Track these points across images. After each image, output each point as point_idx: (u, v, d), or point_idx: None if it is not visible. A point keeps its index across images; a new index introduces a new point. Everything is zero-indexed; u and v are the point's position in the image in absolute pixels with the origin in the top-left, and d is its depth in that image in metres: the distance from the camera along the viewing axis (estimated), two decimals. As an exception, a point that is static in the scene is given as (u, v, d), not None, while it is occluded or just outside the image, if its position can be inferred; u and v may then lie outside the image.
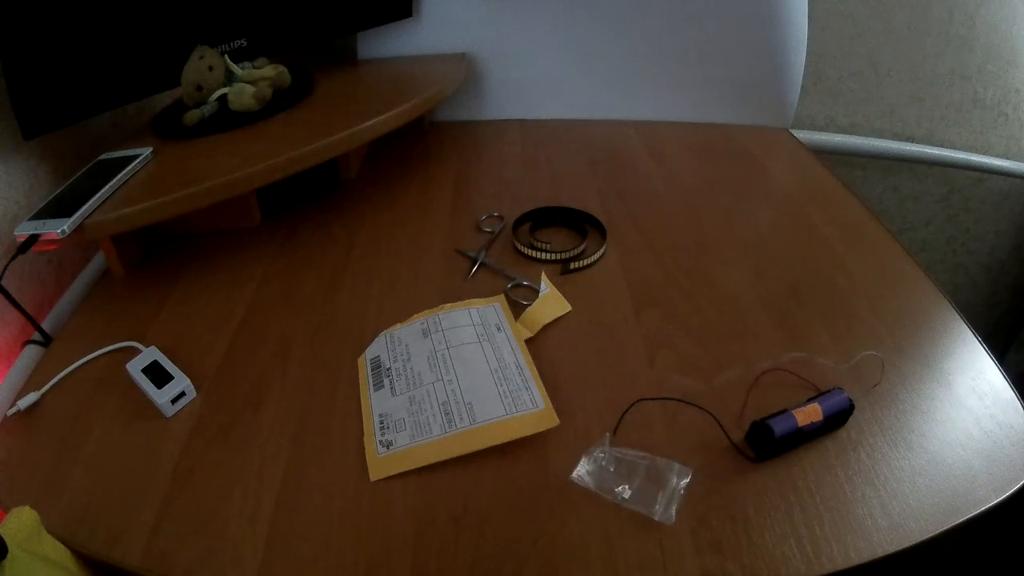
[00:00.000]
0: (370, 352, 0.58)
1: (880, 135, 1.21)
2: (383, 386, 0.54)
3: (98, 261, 0.74)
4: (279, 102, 0.78)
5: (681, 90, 1.00)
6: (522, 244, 0.71)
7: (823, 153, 1.17)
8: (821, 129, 1.21)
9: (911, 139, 1.22)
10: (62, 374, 0.57)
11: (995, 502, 0.45)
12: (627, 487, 0.45)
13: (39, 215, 0.59)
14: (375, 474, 0.47)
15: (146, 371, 0.55)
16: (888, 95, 1.17)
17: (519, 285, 0.66)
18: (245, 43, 0.81)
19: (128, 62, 0.71)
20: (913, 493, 0.45)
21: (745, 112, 1.00)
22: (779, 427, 0.46)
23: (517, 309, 0.62)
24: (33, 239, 0.57)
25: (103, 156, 0.69)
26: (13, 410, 0.54)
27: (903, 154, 1.21)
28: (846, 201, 0.80)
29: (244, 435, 0.51)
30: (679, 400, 0.52)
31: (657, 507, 0.44)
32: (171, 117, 0.78)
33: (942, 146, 1.23)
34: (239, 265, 0.71)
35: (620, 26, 0.95)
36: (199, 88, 0.75)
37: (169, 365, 0.55)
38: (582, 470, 0.47)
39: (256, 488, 0.47)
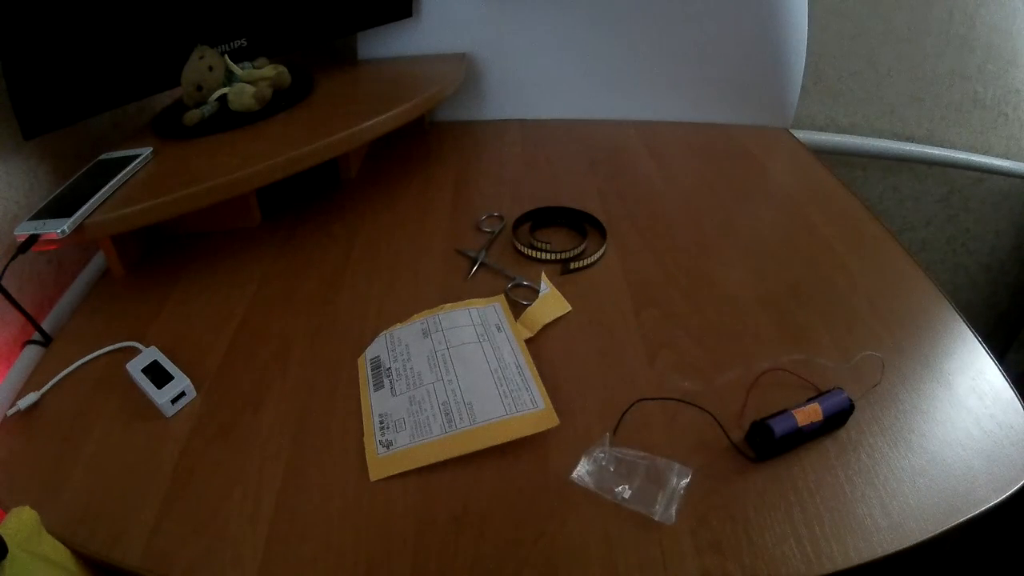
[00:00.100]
0: (370, 352, 0.58)
1: (880, 135, 1.21)
2: (383, 386, 0.54)
3: (98, 261, 0.74)
4: (279, 102, 0.78)
5: (681, 90, 1.00)
6: (522, 244, 0.71)
7: (823, 153, 1.17)
8: (821, 129, 1.21)
9: (911, 139, 1.22)
10: (62, 374, 0.57)
11: (995, 502, 0.45)
12: (627, 487, 0.45)
13: (39, 215, 0.59)
14: (375, 474, 0.47)
15: (146, 371, 0.55)
16: (888, 95, 1.17)
17: (519, 285, 0.66)
18: (245, 43, 0.81)
19: (128, 62, 0.71)
20: (913, 493, 0.45)
21: (745, 112, 1.00)
22: (779, 427, 0.46)
23: (517, 309, 0.62)
24: (33, 239, 0.57)
25: (103, 156, 0.69)
26: (13, 410, 0.54)
27: (903, 154, 1.21)
28: (846, 201, 0.80)
29: (244, 435, 0.51)
30: (679, 400, 0.52)
31: (657, 507, 0.44)
32: (171, 117, 0.77)
33: (942, 146, 1.23)
34: (239, 265, 0.71)
35: (620, 26, 0.95)
36: (199, 88, 0.75)
37: (169, 365, 0.55)
38: (582, 470, 0.47)
39: (256, 488, 0.47)
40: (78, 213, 0.58)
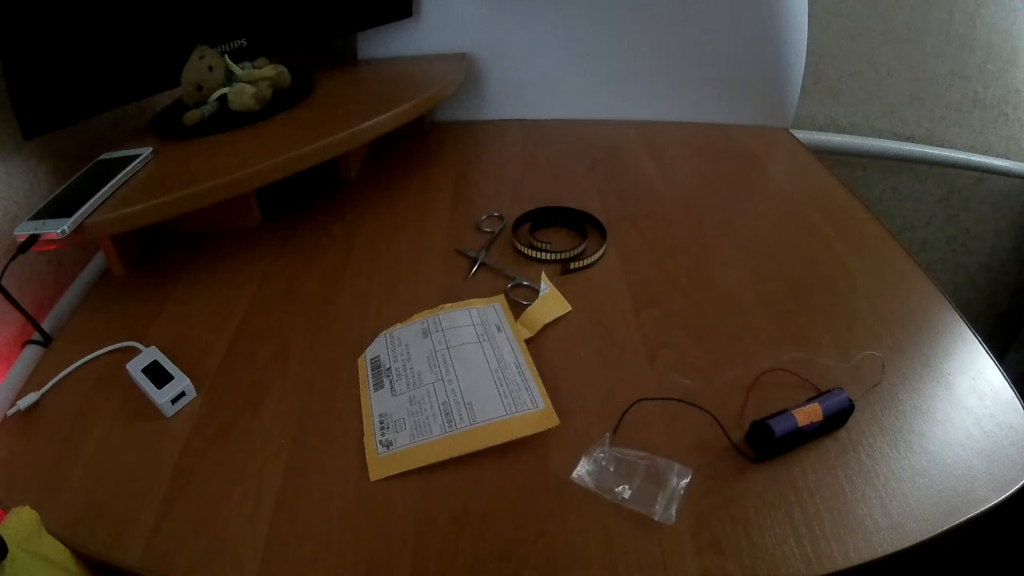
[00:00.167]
0: (370, 352, 0.58)
1: (880, 135, 1.21)
2: (383, 386, 0.54)
3: (98, 261, 0.74)
4: (279, 102, 0.78)
5: (681, 90, 1.00)
6: (522, 244, 0.71)
7: (823, 153, 1.17)
8: (821, 129, 1.21)
9: (911, 139, 1.22)
10: (62, 374, 0.57)
11: (995, 502, 0.45)
12: (627, 487, 0.45)
13: (39, 215, 0.59)
14: (375, 474, 0.47)
15: (146, 371, 0.55)
16: (888, 95, 1.17)
17: (519, 285, 0.66)
18: (245, 43, 0.81)
19: (128, 62, 0.71)
20: (913, 493, 0.45)
21: (745, 112, 1.00)
22: (779, 427, 0.46)
23: (517, 309, 0.62)
24: (33, 239, 0.57)
25: (103, 156, 0.69)
26: (13, 410, 0.54)
27: (903, 154, 1.21)
28: (846, 201, 0.80)
29: (244, 435, 0.51)
30: (679, 400, 0.52)
31: (657, 507, 0.44)
32: (171, 117, 0.77)
33: (942, 146, 1.23)
34: (239, 265, 0.71)
35: (620, 26, 0.95)
36: (199, 88, 0.75)
37: (169, 365, 0.55)
38: (582, 470, 0.47)
39: (256, 488, 0.47)
40: (78, 213, 0.58)
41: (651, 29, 0.95)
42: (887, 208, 1.31)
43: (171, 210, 0.63)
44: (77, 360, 0.58)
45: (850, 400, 0.50)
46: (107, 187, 0.62)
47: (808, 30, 0.94)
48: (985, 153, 1.24)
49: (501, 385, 0.53)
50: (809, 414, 0.48)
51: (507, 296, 0.64)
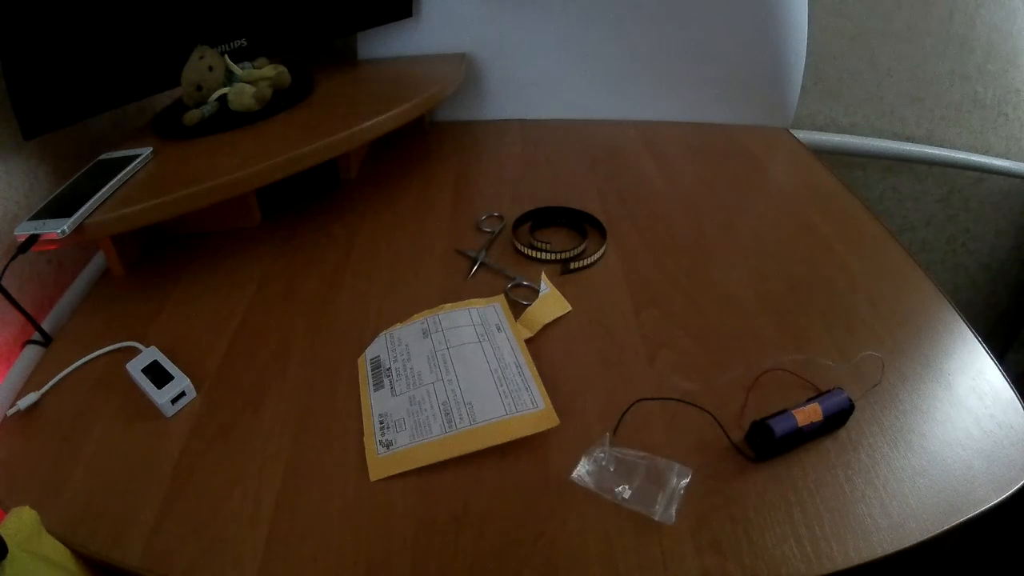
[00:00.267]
0: (370, 352, 0.58)
1: (880, 135, 1.21)
2: (383, 386, 0.54)
3: (98, 261, 0.74)
4: (279, 102, 0.78)
5: (681, 90, 1.00)
6: (522, 244, 0.71)
7: (823, 153, 1.17)
8: (821, 129, 1.21)
9: (911, 139, 1.22)
10: (62, 374, 0.57)
11: (995, 502, 0.45)
12: (627, 487, 0.45)
13: (39, 215, 0.59)
14: (375, 474, 0.47)
15: (146, 371, 0.55)
16: (888, 95, 1.17)
17: (519, 285, 0.66)
18: (245, 43, 0.81)
19: (128, 62, 0.71)
20: (913, 493, 0.45)
21: (745, 112, 1.00)
22: (779, 427, 0.46)
23: (517, 309, 0.62)
24: (33, 239, 0.57)
25: (103, 156, 0.69)
26: (13, 410, 0.54)
27: (903, 154, 1.21)
28: (846, 201, 0.80)
29: (244, 435, 0.51)
30: (679, 400, 0.52)
31: (657, 507, 0.44)
32: (171, 117, 0.77)
33: (942, 146, 1.23)
34: (239, 265, 0.71)
35: (620, 26, 0.95)
36: (199, 88, 0.75)
37: (169, 365, 0.55)
38: (582, 470, 0.47)
39: (256, 488, 0.47)
40: (78, 213, 0.58)
41: (651, 29, 0.95)
42: (887, 208, 1.31)
43: (171, 210, 0.63)
44: (77, 360, 0.58)
45: (850, 400, 0.50)
46: (107, 187, 0.62)
47: (808, 30, 0.94)
48: (985, 153, 1.24)
49: (501, 385, 0.53)
50: (809, 414, 0.48)
51: (507, 296, 0.64)
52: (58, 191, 0.63)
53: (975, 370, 0.55)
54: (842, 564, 0.41)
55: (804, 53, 0.95)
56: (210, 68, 0.74)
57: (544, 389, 0.53)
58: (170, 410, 0.53)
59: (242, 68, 0.78)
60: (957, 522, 0.43)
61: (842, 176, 0.86)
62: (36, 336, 0.62)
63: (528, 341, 0.58)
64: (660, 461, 0.46)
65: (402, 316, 0.62)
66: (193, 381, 0.54)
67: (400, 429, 0.50)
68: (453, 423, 0.50)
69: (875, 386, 0.53)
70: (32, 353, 0.60)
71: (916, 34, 1.10)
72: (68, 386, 0.57)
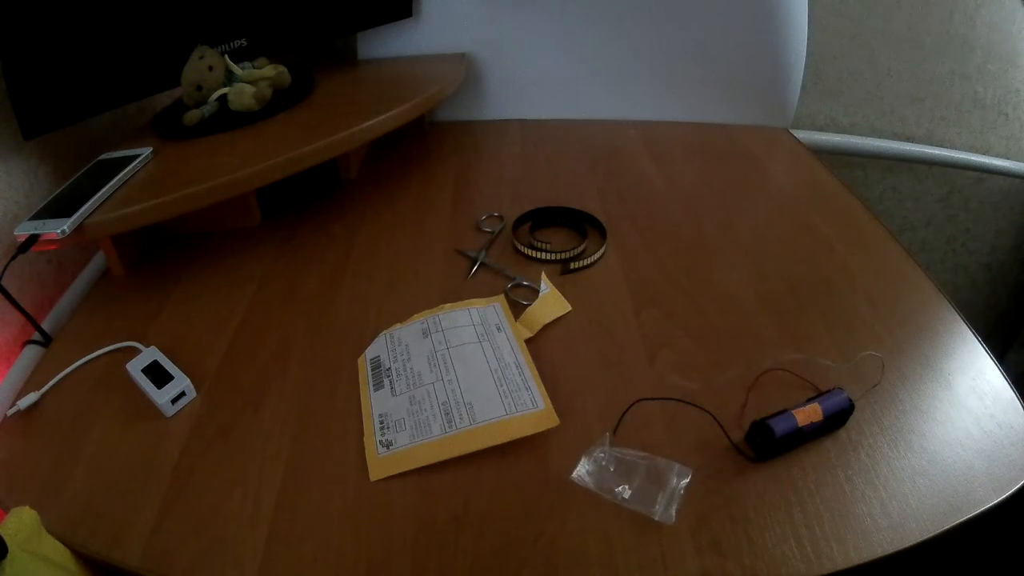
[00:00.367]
0: (370, 352, 0.58)
1: (880, 135, 1.21)
2: (383, 386, 0.54)
3: (98, 261, 0.74)
4: (279, 102, 0.78)
5: (681, 90, 1.00)
6: (522, 244, 0.71)
7: (823, 153, 1.17)
8: (821, 129, 1.21)
9: (911, 139, 1.22)
10: (62, 374, 0.57)
11: (995, 502, 0.45)
12: (627, 487, 0.45)
13: (39, 215, 0.59)
14: (375, 474, 0.47)
15: (146, 371, 0.55)
16: (888, 95, 1.17)
17: (519, 285, 0.66)
18: (245, 43, 0.81)
19: (128, 62, 0.71)
20: (913, 493, 0.45)
21: (745, 112, 1.00)
22: (779, 427, 0.46)
23: (517, 309, 0.62)
24: (33, 239, 0.57)
25: (103, 156, 0.69)
26: (13, 410, 0.54)
27: (903, 154, 1.21)
28: (846, 201, 0.80)
29: (244, 435, 0.51)
30: (679, 400, 0.52)
31: (657, 507, 0.44)
32: (171, 117, 0.77)
33: (942, 146, 1.23)
34: (239, 265, 0.71)
35: (620, 26, 0.95)
36: (199, 88, 0.75)
37: (169, 365, 0.55)
38: (582, 470, 0.47)
39: (256, 488, 0.47)
40: (78, 213, 0.58)
41: (651, 29, 0.95)
42: (887, 208, 1.31)
43: (171, 210, 0.63)
44: (77, 360, 0.58)
45: (850, 400, 0.50)
46: (107, 187, 0.62)
47: (808, 30, 0.94)
48: (985, 153, 1.24)
49: (501, 385, 0.53)
50: (809, 414, 0.48)
51: (507, 296, 0.64)
52: (58, 191, 0.63)
53: (975, 370, 0.55)
54: (842, 564, 0.41)
55: (804, 53, 0.95)
56: (210, 68, 0.74)
57: (544, 389, 0.53)
58: (170, 410, 0.53)
59: (242, 68, 0.78)
60: (957, 522, 0.43)
61: (842, 176, 0.86)
62: (36, 336, 0.62)
63: (528, 341, 0.58)
64: (660, 461, 0.46)
65: (402, 316, 0.62)
66: (193, 381, 0.54)
67: (400, 429, 0.50)
68: (453, 423, 0.50)
69: (875, 386, 0.53)
70: (32, 353, 0.60)
71: (916, 34, 1.10)
72: (68, 386, 0.57)
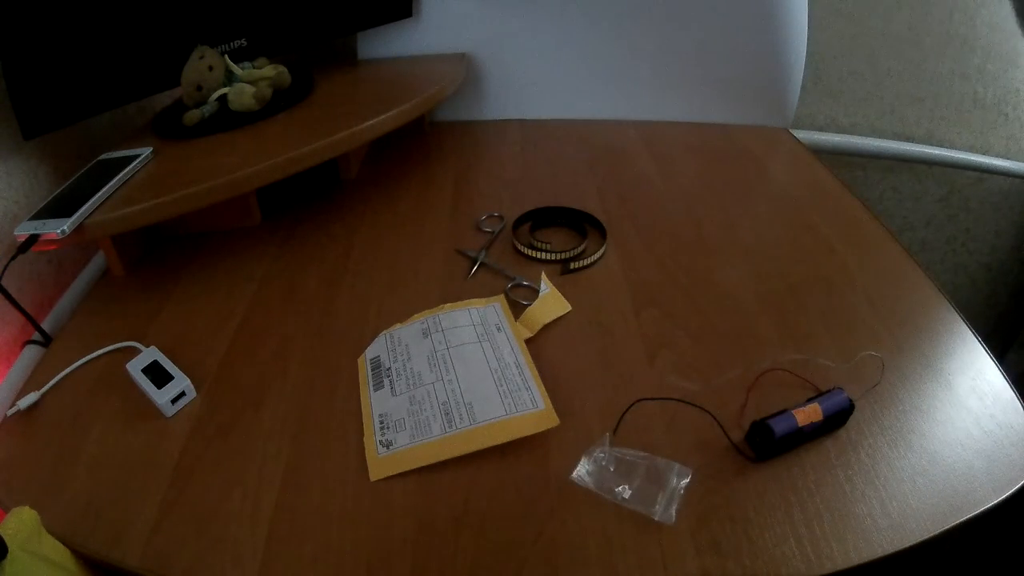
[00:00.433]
0: (370, 352, 0.58)
1: (880, 135, 1.21)
2: (383, 386, 0.54)
3: (98, 261, 0.74)
4: (279, 102, 0.78)
5: (681, 90, 1.00)
6: (522, 244, 0.71)
7: (823, 153, 1.17)
8: (821, 129, 1.21)
9: (911, 139, 1.22)
10: (62, 374, 0.57)
11: (995, 502, 0.45)
12: (627, 487, 0.45)
13: (39, 215, 0.59)
14: (375, 474, 0.48)
15: (146, 371, 0.55)
16: (888, 95, 1.17)
17: (519, 285, 0.66)
18: (245, 43, 0.81)
19: (128, 62, 0.71)
20: (913, 493, 0.45)
21: (745, 112, 1.00)
22: (779, 427, 0.46)
23: (517, 309, 0.62)
24: (33, 239, 0.57)
25: (103, 156, 0.69)
26: (13, 410, 0.54)
27: (903, 154, 1.21)
28: (846, 201, 0.80)
29: (244, 435, 0.51)
30: (679, 400, 0.52)
31: (657, 507, 0.44)
32: (171, 117, 0.78)
33: (942, 146, 1.23)
34: (239, 265, 0.71)
35: (620, 26, 0.95)
36: (199, 88, 0.75)
37: (169, 365, 0.55)
38: (582, 470, 0.47)
39: (256, 488, 0.47)
40: (78, 213, 0.58)
41: (651, 29, 0.95)
42: (887, 208, 1.31)
43: (171, 210, 0.63)
44: (77, 360, 0.58)
45: (850, 400, 0.50)
46: (107, 187, 0.62)
47: (808, 30, 0.94)
48: (985, 153, 1.24)
49: (501, 385, 0.53)
50: (809, 414, 0.48)
51: (507, 296, 0.64)
52: (58, 191, 0.63)
53: (975, 370, 0.55)
54: (842, 564, 0.41)
55: (804, 53, 0.95)
56: (210, 68, 0.74)
57: (544, 389, 0.53)
58: (170, 410, 0.53)
59: (242, 68, 0.78)
60: (957, 522, 0.43)
61: (842, 176, 0.86)
62: (36, 336, 0.62)
63: (528, 341, 0.58)
64: (660, 461, 0.46)
65: (402, 316, 0.62)
66: (193, 381, 0.54)
67: (400, 429, 0.50)
68: (453, 423, 0.50)
69: (875, 386, 0.53)
70: (32, 353, 0.60)
71: (916, 34, 1.10)
72: (68, 386, 0.57)
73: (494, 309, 0.62)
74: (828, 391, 0.51)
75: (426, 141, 0.99)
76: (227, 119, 0.75)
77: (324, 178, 0.87)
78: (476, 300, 0.63)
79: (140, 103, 0.82)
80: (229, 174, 0.65)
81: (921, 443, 0.49)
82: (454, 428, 0.50)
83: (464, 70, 0.95)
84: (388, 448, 0.49)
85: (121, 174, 0.65)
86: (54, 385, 0.56)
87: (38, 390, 0.55)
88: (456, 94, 0.95)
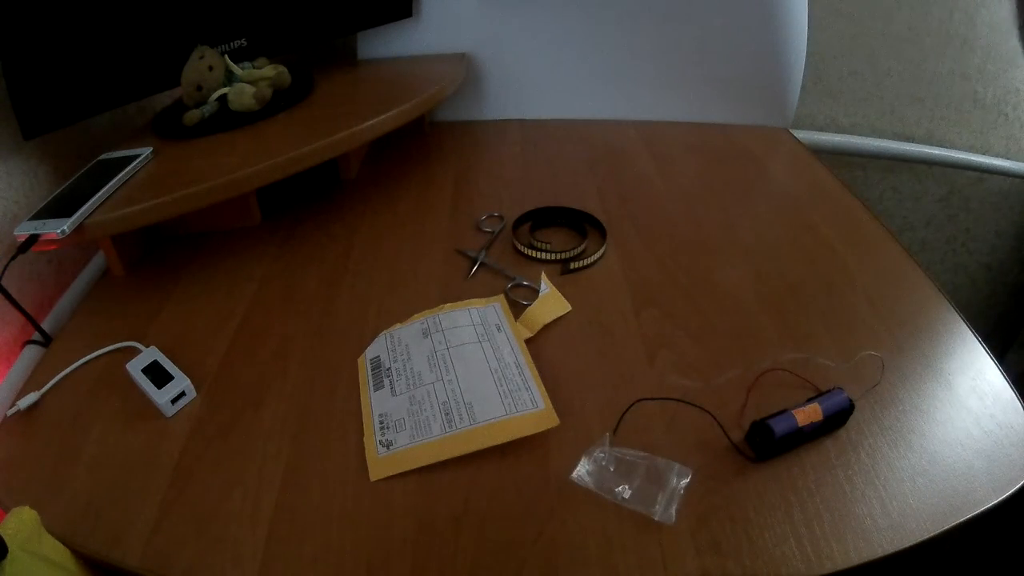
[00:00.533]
0: (370, 352, 0.58)
1: (880, 135, 1.21)
2: (383, 386, 0.54)
3: (98, 261, 0.74)
4: (279, 102, 0.78)
5: (681, 90, 1.00)
6: (522, 244, 0.71)
7: (823, 153, 1.17)
8: (821, 129, 1.21)
9: (911, 139, 1.22)
10: (62, 374, 0.57)
11: (995, 502, 0.45)
12: (627, 487, 0.45)
13: (39, 215, 0.59)
14: (375, 474, 0.47)
15: (146, 371, 0.55)
16: (888, 95, 1.17)
17: (519, 285, 0.66)
18: (245, 43, 0.81)
19: (128, 62, 0.71)
20: (913, 493, 0.45)
21: (745, 112, 1.00)
22: (779, 427, 0.46)
23: (517, 309, 0.62)
24: (33, 239, 0.57)
25: (103, 156, 0.69)
26: (13, 410, 0.54)
27: (903, 154, 1.21)
28: (846, 201, 0.80)
29: (244, 435, 0.51)
30: (679, 400, 0.52)
31: (657, 507, 0.44)
32: (171, 117, 0.77)
33: (942, 146, 1.23)
34: (239, 265, 0.71)
35: (619, 26, 0.95)
36: (199, 88, 0.75)
37: (169, 365, 0.55)
38: (582, 470, 0.47)
39: (256, 488, 0.47)
40: (78, 213, 0.58)
41: (651, 29, 0.95)
42: (887, 208, 1.31)
43: (171, 210, 0.63)
44: (77, 360, 0.58)
45: (850, 400, 0.50)
46: (107, 187, 0.62)
47: (808, 30, 0.94)
48: (985, 153, 1.24)
49: (501, 385, 0.53)
50: (809, 414, 0.48)
51: (507, 296, 0.64)
52: (58, 191, 0.63)
53: (975, 370, 0.55)
54: (842, 564, 0.41)
55: (804, 53, 0.95)
56: (210, 68, 0.74)
57: (544, 389, 0.53)
58: (170, 410, 0.53)
59: (242, 68, 0.78)
60: (957, 522, 0.43)
61: (842, 176, 0.86)
62: (36, 336, 0.62)
63: (528, 341, 0.58)
64: (660, 461, 0.46)
65: (402, 316, 0.62)
66: (193, 381, 0.54)
67: (400, 429, 0.50)
68: (453, 423, 0.50)
69: (875, 386, 0.53)
70: (32, 353, 0.60)
71: (916, 34, 1.11)
72: (68, 386, 0.57)
73: (494, 309, 0.62)
74: (828, 391, 0.51)
75: (426, 141, 0.99)
76: (227, 119, 0.75)
77: (324, 178, 0.87)
78: (476, 300, 0.63)
79: (140, 103, 0.82)
80: (229, 174, 0.65)
81: (921, 443, 0.49)
82: (454, 428, 0.50)
83: (464, 70, 0.95)
84: (388, 448, 0.49)
85: (121, 174, 0.65)
86: (54, 385, 0.56)
87: (38, 390, 0.55)
88: (456, 94, 0.95)
